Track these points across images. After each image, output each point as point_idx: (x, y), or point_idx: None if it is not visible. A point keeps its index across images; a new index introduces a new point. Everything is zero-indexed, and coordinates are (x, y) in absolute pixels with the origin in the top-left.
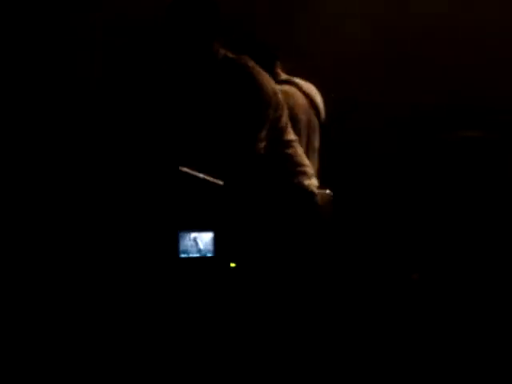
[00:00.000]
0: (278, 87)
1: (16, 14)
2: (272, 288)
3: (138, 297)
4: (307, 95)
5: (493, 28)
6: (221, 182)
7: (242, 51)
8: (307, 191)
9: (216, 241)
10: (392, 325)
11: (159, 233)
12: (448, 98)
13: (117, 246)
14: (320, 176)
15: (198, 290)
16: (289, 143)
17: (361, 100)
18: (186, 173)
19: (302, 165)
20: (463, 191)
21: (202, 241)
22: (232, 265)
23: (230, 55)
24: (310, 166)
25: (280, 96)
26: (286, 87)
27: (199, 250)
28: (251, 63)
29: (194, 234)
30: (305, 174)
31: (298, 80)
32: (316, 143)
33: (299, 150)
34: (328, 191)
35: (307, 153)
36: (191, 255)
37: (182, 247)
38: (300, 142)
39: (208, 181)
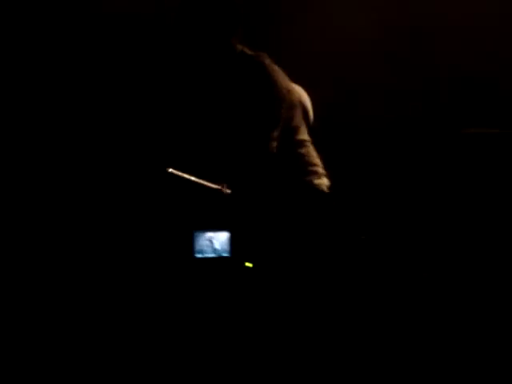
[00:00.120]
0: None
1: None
2: (287, 288)
3: (154, 297)
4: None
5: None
6: (212, 185)
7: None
8: (317, 190)
9: (232, 241)
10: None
11: (174, 233)
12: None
13: (132, 247)
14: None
15: (213, 290)
16: (302, 143)
17: (362, 100)
18: (173, 174)
19: (313, 164)
20: (480, 187)
21: (217, 241)
22: (248, 265)
23: (248, 52)
24: (321, 166)
25: (294, 95)
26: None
27: (215, 250)
28: (267, 61)
29: (209, 234)
30: (316, 173)
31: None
32: None
33: (312, 151)
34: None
35: None
36: (206, 255)
37: (197, 247)
38: None
39: (197, 183)
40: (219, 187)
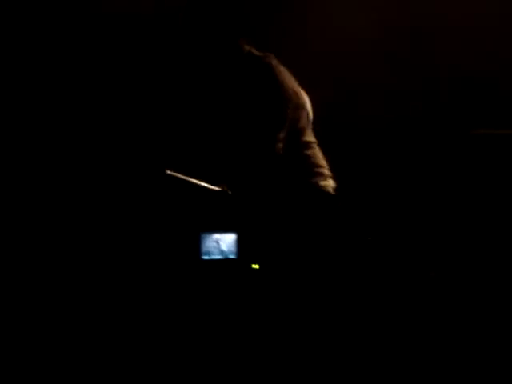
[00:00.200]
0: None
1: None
2: (294, 289)
3: (161, 299)
4: None
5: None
6: (213, 187)
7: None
8: (323, 192)
9: (239, 242)
10: (410, 324)
11: (181, 234)
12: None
13: (140, 248)
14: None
15: (220, 292)
16: (308, 144)
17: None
18: (172, 176)
19: (318, 166)
20: (489, 188)
21: (224, 242)
22: (255, 266)
23: (255, 52)
24: (327, 168)
25: (301, 96)
26: None
27: (222, 252)
28: (275, 62)
29: (216, 236)
30: (321, 175)
31: None
32: None
33: (317, 152)
34: None
35: None
36: (213, 257)
37: (204, 249)
38: None
39: (195, 184)
40: (219, 188)
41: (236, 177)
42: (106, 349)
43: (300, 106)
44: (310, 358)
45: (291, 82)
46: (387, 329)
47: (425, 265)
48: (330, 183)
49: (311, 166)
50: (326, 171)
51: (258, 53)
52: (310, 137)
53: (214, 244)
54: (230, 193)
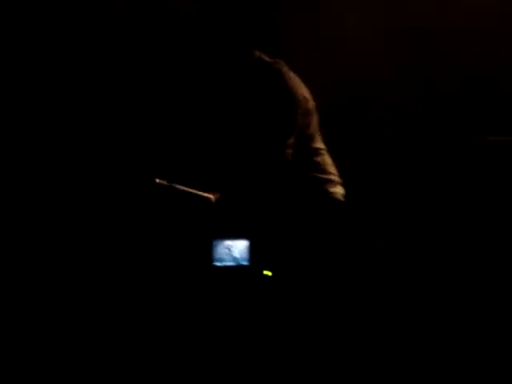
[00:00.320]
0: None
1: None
2: (306, 296)
3: (173, 305)
4: None
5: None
6: (205, 194)
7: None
8: (333, 199)
9: (251, 249)
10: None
11: (193, 241)
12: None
13: (151, 254)
14: None
15: (232, 299)
16: (317, 151)
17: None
18: (161, 184)
19: (328, 172)
20: (493, 195)
21: (236, 249)
22: (267, 273)
23: (265, 58)
24: (336, 175)
25: (310, 102)
26: None
27: (234, 259)
28: (285, 68)
29: (228, 243)
30: (331, 181)
31: None
32: None
33: (327, 159)
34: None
35: None
36: (225, 264)
37: (216, 256)
38: None
39: (185, 191)
40: (208, 196)
41: (246, 183)
42: (118, 353)
43: (310, 112)
44: (322, 364)
45: (301, 87)
46: (399, 335)
47: (432, 270)
48: (339, 190)
49: (321, 173)
50: (336, 178)
51: (267, 59)
52: (319, 143)
53: (226, 251)
54: (214, 201)
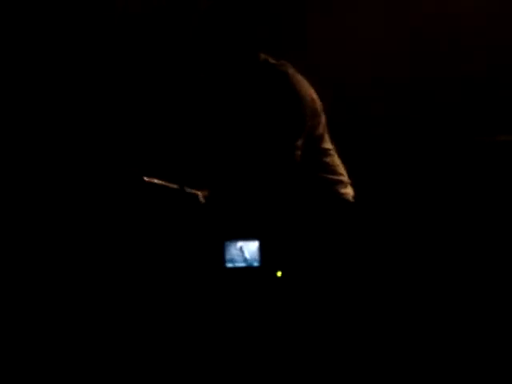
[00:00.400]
0: None
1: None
2: (317, 297)
3: (185, 307)
4: None
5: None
6: (189, 190)
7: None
8: (344, 200)
9: (262, 250)
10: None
11: (205, 242)
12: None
13: (162, 256)
14: None
15: (244, 300)
16: (326, 152)
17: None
18: (149, 182)
19: (338, 173)
20: (494, 195)
21: (248, 250)
22: (278, 274)
23: (271, 61)
24: (345, 175)
25: (318, 103)
26: None
27: (245, 260)
28: (291, 70)
29: (240, 243)
30: (341, 182)
31: None
32: None
33: (336, 159)
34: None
35: None
36: (237, 265)
37: (227, 256)
38: None
39: (173, 188)
40: (196, 193)
41: (256, 185)
42: (127, 355)
43: (318, 113)
44: (334, 365)
45: (308, 88)
46: (410, 338)
47: (434, 269)
48: (349, 191)
49: (331, 174)
50: (346, 179)
51: (273, 61)
52: (327, 143)
53: (238, 252)
54: (202, 200)
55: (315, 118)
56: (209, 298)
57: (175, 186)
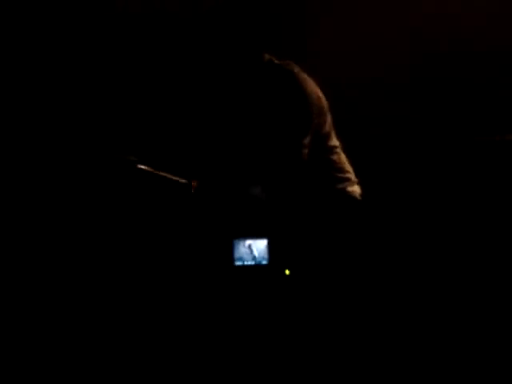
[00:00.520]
0: None
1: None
2: (325, 294)
3: (194, 304)
4: None
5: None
6: (183, 180)
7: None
8: (351, 198)
9: (270, 248)
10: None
11: (214, 240)
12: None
13: (172, 254)
14: None
15: (252, 298)
16: (333, 149)
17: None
18: (144, 170)
19: (345, 171)
20: (498, 196)
21: (256, 248)
22: (287, 272)
23: (276, 61)
24: (352, 173)
25: (324, 102)
26: None
27: (254, 258)
28: (296, 69)
29: (248, 241)
30: (348, 180)
31: None
32: None
33: (342, 157)
34: None
35: None
36: (246, 263)
37: (236, 255)
38: None
39: (168, 178)
40: (186, 181)
41: (264, 183)
42: (137, 353)
43: (324, 111)
44: (343, 363)
45: (314, 87)
46: (418, 338)
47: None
48: (356, 189)
49: (338, 172)
50: (353, 177)
51: (278, 61)
52: (334, 141)
53: (247, 250)
54: (193, 188)
55: (322, 115)
56: (218, 296)
57: (164, 174)
